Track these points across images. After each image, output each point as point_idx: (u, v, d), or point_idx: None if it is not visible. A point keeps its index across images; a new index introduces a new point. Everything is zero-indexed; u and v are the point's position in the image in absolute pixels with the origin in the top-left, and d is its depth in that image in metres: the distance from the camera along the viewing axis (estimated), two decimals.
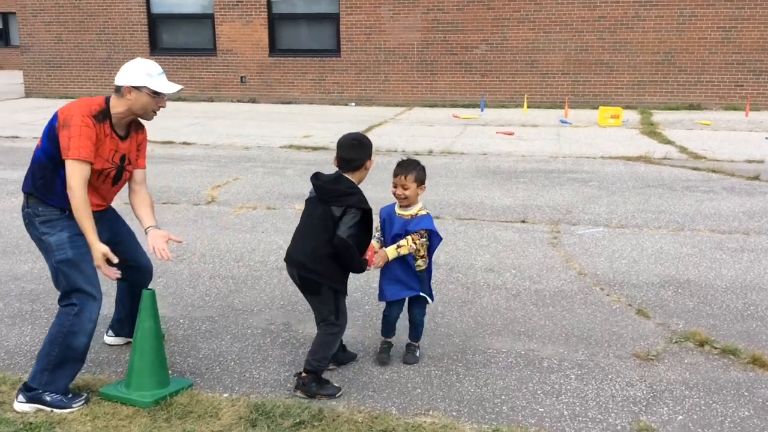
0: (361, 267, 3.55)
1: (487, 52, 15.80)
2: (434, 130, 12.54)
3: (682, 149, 10.40)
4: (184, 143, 11.25)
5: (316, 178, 3.62)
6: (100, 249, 3.39)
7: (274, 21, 16.93)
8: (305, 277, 3.53)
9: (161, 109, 3.72)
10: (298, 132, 12.41)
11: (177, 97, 17.51)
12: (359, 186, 3.61)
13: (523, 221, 6.63)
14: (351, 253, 3.45)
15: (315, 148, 10.79)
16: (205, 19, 17.25)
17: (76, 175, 3.35)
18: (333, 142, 11.82)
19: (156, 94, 3.64)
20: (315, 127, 12.96)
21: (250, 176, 8.69)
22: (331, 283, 3.51)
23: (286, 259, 3.66)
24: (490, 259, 5.56)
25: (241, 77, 17.28)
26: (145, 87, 3.62)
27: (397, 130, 12.58)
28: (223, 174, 8.81)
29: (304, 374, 3.50)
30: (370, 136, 12.52)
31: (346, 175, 3.60)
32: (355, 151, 3.59)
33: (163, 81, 3.66)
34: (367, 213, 3.53)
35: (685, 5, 14.70)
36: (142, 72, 3.63)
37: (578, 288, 4.94)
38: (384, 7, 16.09)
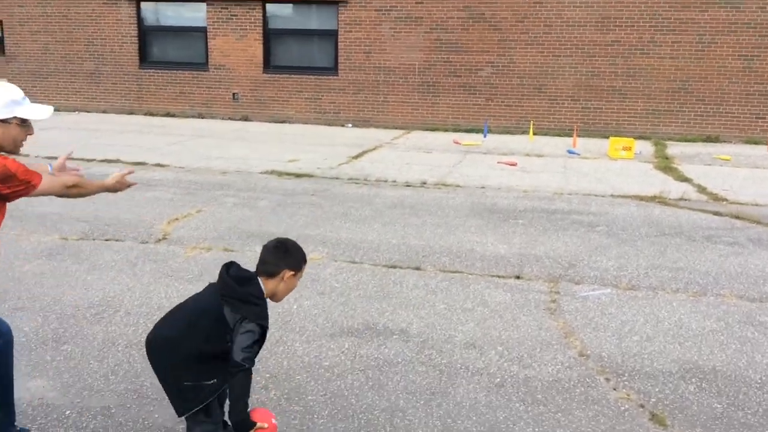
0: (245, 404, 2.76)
1: (492, 74, 14.91)
2: (431, 158, 11.62)
3: (701, 189, 9.43)
4: (158, 165, 10.36)
5: (227, 267, 2.96)
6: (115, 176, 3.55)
7: (270, 36, 16.11)
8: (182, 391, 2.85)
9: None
10: (285, 155, 11.52)
11: (165, 113, 16.73)
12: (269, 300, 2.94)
13: (518, 277, 5.67)
14: (248, 380, 2.77)
15: (298, 175, 9.88)
16: (198, 32, 16.46)
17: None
18: (320, 169, 11.01)
19: (24, 123, 2.87)
20: (304, 150, 12.07)
21: (217, 208, 7.77)
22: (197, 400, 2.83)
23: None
24: (474, 330, 4.60)
25: (234, 94, 16.45)
26: (14, 118, 2.86)
27: (391, 157, 11.67)
28: (188, 204, 7.90)
29: None
30: (362, 161, 11.71)
31: (260, 280, 2.92)
32: (273, 255, 2.95)
33: (32, 106, 2.92)
34: (264, 329, 2.84)
35: (704, 31, 13.78)
36: (5, 100, 2.83)
37: (578, 377, 3.97)
38: (384, 25, 15.26)
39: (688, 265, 6.06)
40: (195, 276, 5.48)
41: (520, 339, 4.46)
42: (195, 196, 8.30)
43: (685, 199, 8.77)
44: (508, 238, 6.79)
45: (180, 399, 2.77)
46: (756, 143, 13.76)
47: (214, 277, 5.34)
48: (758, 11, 13.46)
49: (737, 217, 7.84)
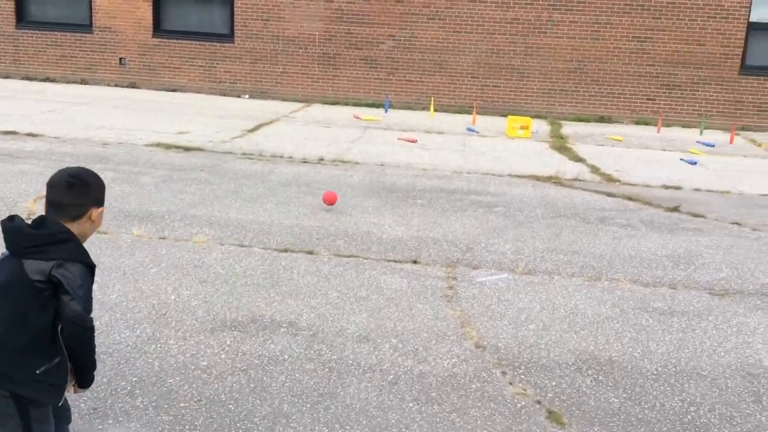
0: (95, 363, 2.43)
1: (394, 48, 14.63)
2: (330, 133, 11.25)
3: (594, 169, 9.55)
4: (30, 134, 9.48)
5: (10, 219, 2.35)
6: None
7: None
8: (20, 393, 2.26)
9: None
10: (174, 126, 10.84)
11: (44, 77, 15.51)
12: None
13: (415, 261, 5.44)
14: (92, 334, 2.31)
15: (187, 149, 9.28)
16: None
17: None
18: (211, 142, 10.41)
19: None
20: (195, 122, 11.41)
21: None
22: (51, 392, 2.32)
23: None
24: (367, 321, 4.33)
25: (120, 59, 15.41)
26: None
27: (288, 131, 11.22)
28: None
29: None
30: (257, 135, 11.20)
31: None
32: (72, 194, 2.37)
33: None
34: (92, 270, 2.35)
35: (600, 12, 14.01)
36: None
37: (474, 371, 3.79)
38: None
39: (583, 248, 6.04)
40: None
41: (416, 330, 4.24)
42: None
43: (580, 180, 8.84)
44: (406, 220, 6.57)
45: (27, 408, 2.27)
46: (647, 124, 14.19)
47: None
48: None
49: (630, 199, 7.95)
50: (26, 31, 15.47)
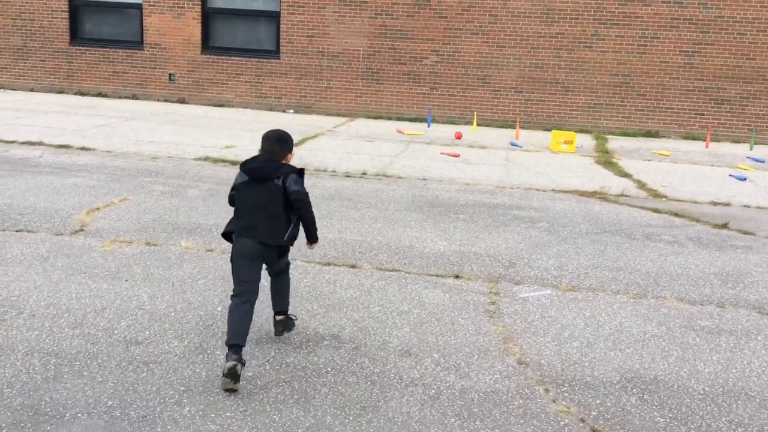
0: (315, 223, 4.23)
1: (437, 63, 14.70)
2: (373, 147, 11.34)
3: (641, 184, 9.42)
4: (83, 148, 9.79)
5: (252, 161, 4.05)
6: None
7: (209, 15, 15.52)
8: (281, 246, 4.08)
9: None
10: (221, 141, 11.07)
11: (97, 92, 15.99)
12: None
13: (457, 276, 5.45)
14: (309, 202, 4.10)
15: (234, 162, 9.45)
16: (133, 9, 15.73)
17: None
18: None
19: None
20: (242, 137, 11.63)
21: (143, 196, 7.32)
22: (290, 245, 4.17)
23: (249, 237, 3.93)
24: (410, 335, 4.36)
25: (170, 74, 15.80)
26: None
27: (332, 145, 11.35)
28: (111, 192, 7.42)
29: (284, 316, 4.20)
30: (301, 149, 11.29)
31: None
32: (278, 145, 4.08)
33: None
34: (301, 171, 4.11)
35: (647, 26, 13.86)
36: None
37: (517, 387, 3.78)
38: (328, 9, 14.86)
39: (629, 264, 5.96)
40: (111, 273, 5.07)
41: (458, 345, 4.24)
42: (120, 183, 7.82)
43: (625, 195, 8.74)
44: (448, 234, 6.58)
45: (282, 254, 4.17)
46: (694, 139, 13.95)
47: (132, 276, 4.99)
48: (700, 7, 13.60)
49: (676, 215, 7.82)
50: (80, 47, 15.99)
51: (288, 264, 4.30)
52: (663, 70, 13.99)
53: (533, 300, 5.04)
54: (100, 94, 16.05)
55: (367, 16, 14.75)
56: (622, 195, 8.75)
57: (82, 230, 6.04)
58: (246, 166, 3.97)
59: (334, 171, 9.32)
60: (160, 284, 4.89)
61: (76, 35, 16.08)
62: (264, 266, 4.06)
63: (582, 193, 8.71)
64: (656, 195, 8.85)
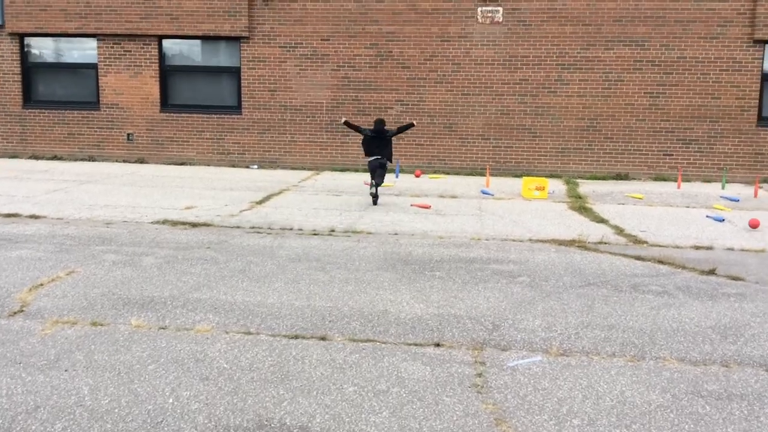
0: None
1: (402, 113, 14.45)
2: (341, 201, 10.92)
3: (619, 230, 9.11)
4: (33, 216, 9.20)
5: (378, 124, 10.57)
6: None
7: (167, 73, 15.14)
8: (385, 164, 10.55)
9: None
10: (181, 202, 10.55)
11: (52, 156, 15.41)
12: None
13: (438, 344, 4.98)
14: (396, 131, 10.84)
15: (194, 225, 8.95)
16: (88, 69, 15.30)
17: None
18: (219, 217, 10.05)
19: None
20: (203, 196, 11.14)
21: (93, 267, 6.76)
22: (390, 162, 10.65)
23: (373, 156, 10.48)
24: (389, 421, 3.85)
25: (128, 134, 15.32)
26: None
27: (298, 201, 10.90)
28: (59, 264, 6.85)
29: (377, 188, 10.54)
30: (266, 207, 10.79)
31: None
32: (382, 125, 10.45)
33: None
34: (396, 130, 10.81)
35: (610, 69, 13.82)
36: None
37: None
38: (290, 62, 14.59)
39: (620, 321, 5.55)
40: (49, 362, 4.50)
41: (444, 431, 3.75)
42: (69, 254, 7.25)
43: (605, 243, 8.40)
44: (425, 295, 6.12)
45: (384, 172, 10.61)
46: (665, 180, 13.81)
47: (73, 363, 4.42)
48: (662, 49, 13.61)
49: (661, 262, 7.48)
50: (33, 110, 15.47)
51: (386, 170, 10.53)
52: (629, 112, 13.92)
53: (523, 369, 4.58)
54: (55, 158, 15.47)
55: (330, 68, 14.51)
56: (601, 242, 8.41)
57: (22, 311, 5.45)
58: (376, 127, 10.50)
59: (300, 229, 8.86)
60: (105, 372, 4.33)
61: (29, 98, 15.56)
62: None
63: (560, 242, 8.35)
64: (636, 241, 8.53)
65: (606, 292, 6.34)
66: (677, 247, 8.25)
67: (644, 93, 13.82)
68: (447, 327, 5.32)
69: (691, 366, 4.67)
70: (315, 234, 8.61)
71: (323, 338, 5.02)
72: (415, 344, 4.96)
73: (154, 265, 6.95)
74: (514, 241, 8.44)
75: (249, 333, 5.06)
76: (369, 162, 10.69)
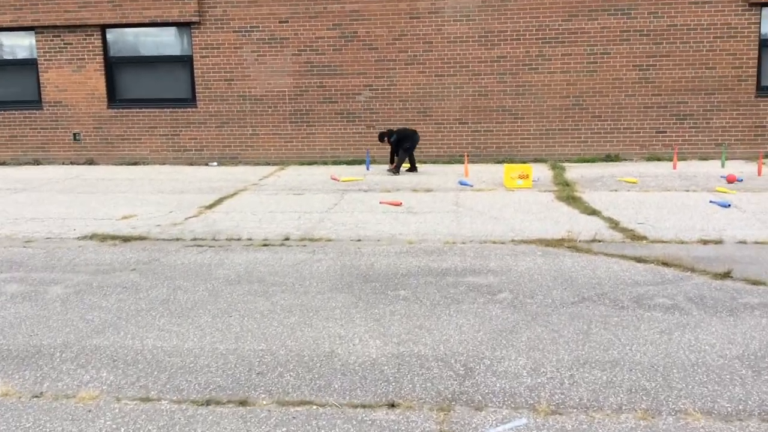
0: None
1: (371, 99, 13.25)
2: (302, 201, 9.75)
3: (613, 224, 8.00)
4: None
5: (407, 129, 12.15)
6: None
7: (113, 66, 13.85)
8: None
9: None
10: (120, 210, 9.35)
11: None
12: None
13: (393, 405, 3.84)
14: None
15: (127, 239, 7.75)
16: (27, 65, 13.97)
17: None
18: (159, 226, 8.65)
19: None
20: (148, 201, 9.93)
21: None
22: None
23: (413, 146, 11.89)
24: None
25: (74, 134, 14.04)
26: None
27: (254, 203, 9.71)
28: None
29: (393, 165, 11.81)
30: (216, 212, 9.34)
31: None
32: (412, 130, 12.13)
33: None
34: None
35: (595, 41, 12.66)
36: None
37: None
38: (246, 48, 13.34)
39: (624, 354, 4.43)
40: None
41: None
42: None
43: (599, 240, 7.29)
44: (383, 326, 4.98)
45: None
46: (659, 159, 12.72)
47: None
48: (650, 17, 12.46)
49: (665, 264, 6.37)
50: None
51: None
52: (617, 87, 12.79)
53: None
54: None
55: (290, 53, 13.27)
56: (594, 240, 7.30)
57: None
58: (408, 131, 11.92)
59: (249, 239, 7.69)
60: None
61: None
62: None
63: (548, 243, 7.23)
64: (635, 236, 7.42)
65: (604, 310, 5.22)
66: (682, 242, 7.14)
67: (633, 66, 12.68)
68: (407, 374, 4.18)
69: (722, 422, 3.56)
70: (265, 245, 7.44)
71: (244, 402, 3.86)
72: (363, 406, 3.82)
73: (60, 297, 5.76)
74: (494, 243, 7.31)
75: (147, 399, 3.90)
76: (411, 145, 12.10)
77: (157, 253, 7.13)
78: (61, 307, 5.49)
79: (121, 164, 13.90)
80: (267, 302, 5.54)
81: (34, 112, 14.06)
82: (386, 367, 4.28)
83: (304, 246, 7.36)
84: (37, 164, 14.10)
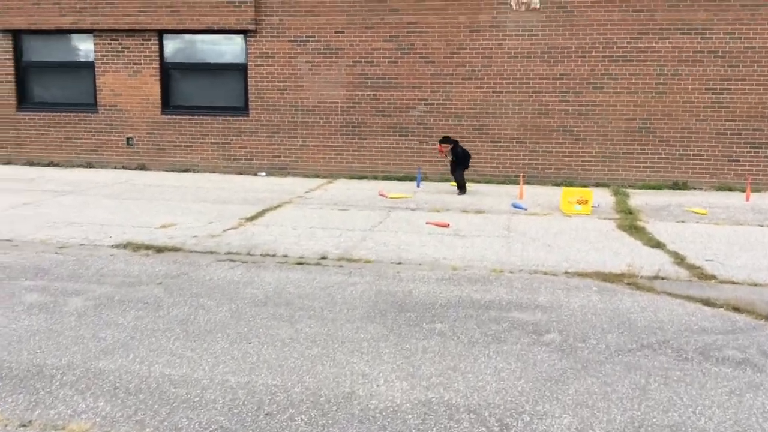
0: None
1: (425, 113, 12.81)
2: (345, 218, 9.35)
3: (679, 259, 7.32)
4: None
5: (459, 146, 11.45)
6: None
7: (169, 72, 13.80)
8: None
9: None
10: (161, 218, 9.13)
11: (48, 162, 14.23)
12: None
13: None
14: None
15: (160, 249, 7.48)
16: (84, 68, 14.06)
17: None
18: (196, 237, 8.35)
19: None
20: (189, 210, 9.70)
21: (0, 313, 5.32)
22: None
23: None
24: None
25: (128, 139, 14.03)
26: None
27: (296, 217, 9.36)
28: None
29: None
30: (256, 225, 8.91)
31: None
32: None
33: None
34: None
35: (665, 61, 11.92)
36: None
37: None
38: (301, 58, 13.09)
39: (686, 418, 3.83)
40: None
41: None
42: None
43: (662, 278, 6.63)
44: (413, 365, 4.49)
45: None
46: (730, 189, 11.87)
47: None
48: (726, 38, 11.66)
49: (737, 309, 5.69)
50: (28, 113, 14.30)
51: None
52: (687, 111, 12.01)
53: None
54: (51, 164, 14.28)
55: (344, 64, 12.96)
56: (657, 277, 6.65)
57: None
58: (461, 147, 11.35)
59: (285, 256, 7.31)
60: None
61: (23, 100, 14.40)
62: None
63: (605, 277, 6.61)
64: (702, 275, 6.74)
65: (665, 361, 4.61)
66: (755, 284, 6.43)
67: (705, 89, 11.89)
68: (432, 428, 3.68)
69: None
70: (300, 263, 7.05)
71: None
72: None
73: (78, 310, 5.47)
74: (545, 274, 6.74)
75: None
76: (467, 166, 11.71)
77: (187, 267, 6.82)
78: (75, 322, 5.19)
79: (172, 171, 13.80)
80: (291, 329, 5.12)
81: (89, 115, 14.11)
82: (410, 416, 3.79)
83: (341, 267, 6.94)
84: (90, 167, 14.13)
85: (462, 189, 11.42)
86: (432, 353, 4.69)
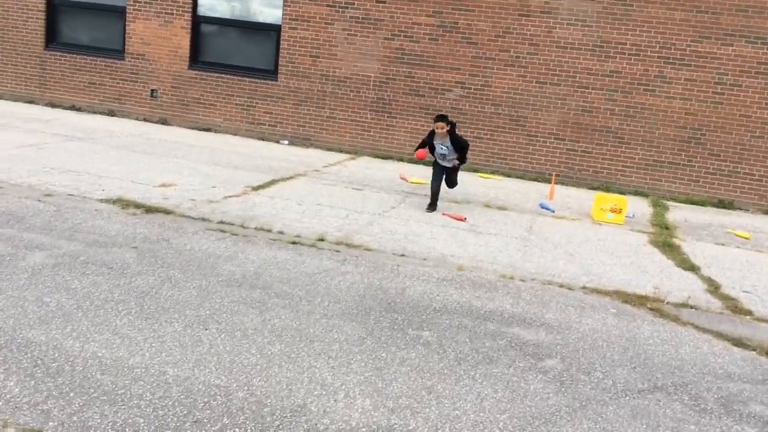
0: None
1: (461, 98, 12.07)
2: (358, 198, 8.74)
3: (713, 286, 6.55)
4: None
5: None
6: None
7: (200, 25, 13.25)
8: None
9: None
10: (163, 176, 8.62)
11: (70, 105, 13.84)
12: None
13: None
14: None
15: (150, 209, 6.96)
16: (116, 12, 13.59)
17: None
18: (193, 201, 7.65)
19: None
20: (197, 172, 9.18)
21: None
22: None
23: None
24: None
25: (152, 90, 13.56)
26: None
27: (305, 192, 8.77)
28: None
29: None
30: (261, 195, 8.32)
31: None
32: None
33: None
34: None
35: (726, 69, 10.98)
36: None
37: None
38: (337, 25, 12.42)
39: None
40: None
41: None
42: None
43: (690, 306, 5.89)
44: (383, 379, 3.87)
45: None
46: None
47: None
48: None
49: None
50: (55, 52, 13.91)
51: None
52: (743, 125, 11.07)
53: None
54: (73, 108, 13.90)
55: (382, 36, 12.26)
56: (685, 305, 5.91)
57: None
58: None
59: (280, 232, 6.73)
60: None
61: (52, 39, 14.01)
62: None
63: (626, 298, 5.89)
64: (736, 308, 5.97)
65: (680, 410, 3.91)
66: None
67: (766, 104, 10.93)
68: None
69: None
70: (294, 242, 6.46)
71: None
72: None
73: (33, 268, 4.96)
74: (560, 286, 6.04)
75: None
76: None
77: (171, 232, 6.28)
78: (25, 281, 4.68)
79: (194, 128, 13.32)
80: (258, 318, 4.53)
81: (116, 61, 13.67)
82: None
83: (337, 252, 6.33)
84: (112, 115, 13.72)
85: (434, 205, 8.46)
86: (409, 367, 4.06)
